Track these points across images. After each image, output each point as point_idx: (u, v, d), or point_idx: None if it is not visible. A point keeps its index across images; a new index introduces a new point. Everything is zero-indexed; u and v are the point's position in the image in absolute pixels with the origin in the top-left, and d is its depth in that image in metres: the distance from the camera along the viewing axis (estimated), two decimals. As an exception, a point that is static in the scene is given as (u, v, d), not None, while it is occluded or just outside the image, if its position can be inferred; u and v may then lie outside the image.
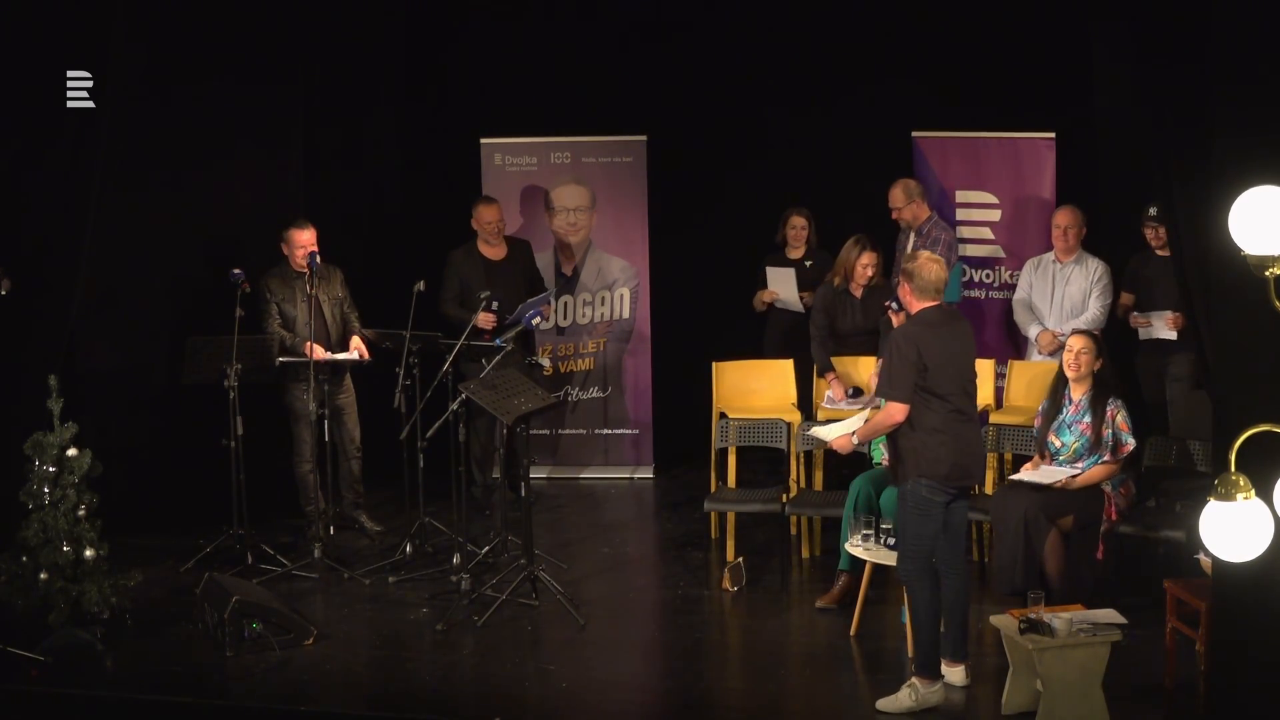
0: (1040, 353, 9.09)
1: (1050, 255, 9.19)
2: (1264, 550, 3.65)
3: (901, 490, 6.57)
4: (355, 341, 8.88)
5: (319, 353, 8.63)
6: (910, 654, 6.77)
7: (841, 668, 7.11)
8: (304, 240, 8.77)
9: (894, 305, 7.51)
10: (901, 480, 6.55)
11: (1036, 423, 7.84)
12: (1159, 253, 8.78)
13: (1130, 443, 7.54)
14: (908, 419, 6.44)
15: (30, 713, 6.89)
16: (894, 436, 6.55)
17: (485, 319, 8.92)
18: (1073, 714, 6.15)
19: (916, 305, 6.59)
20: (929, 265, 6.56)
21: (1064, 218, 9.11)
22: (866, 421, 6.85)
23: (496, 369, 8.10)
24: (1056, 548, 7.31)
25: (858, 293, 9.06)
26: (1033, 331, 9.16)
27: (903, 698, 6.46)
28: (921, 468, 6.45)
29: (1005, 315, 9.62)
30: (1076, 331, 7.90)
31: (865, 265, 9.00)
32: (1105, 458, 7.50)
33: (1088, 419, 7.56)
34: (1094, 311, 8.98)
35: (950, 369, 6.50)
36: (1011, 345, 9.61)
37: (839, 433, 6.91)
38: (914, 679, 6.50)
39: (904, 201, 9.46)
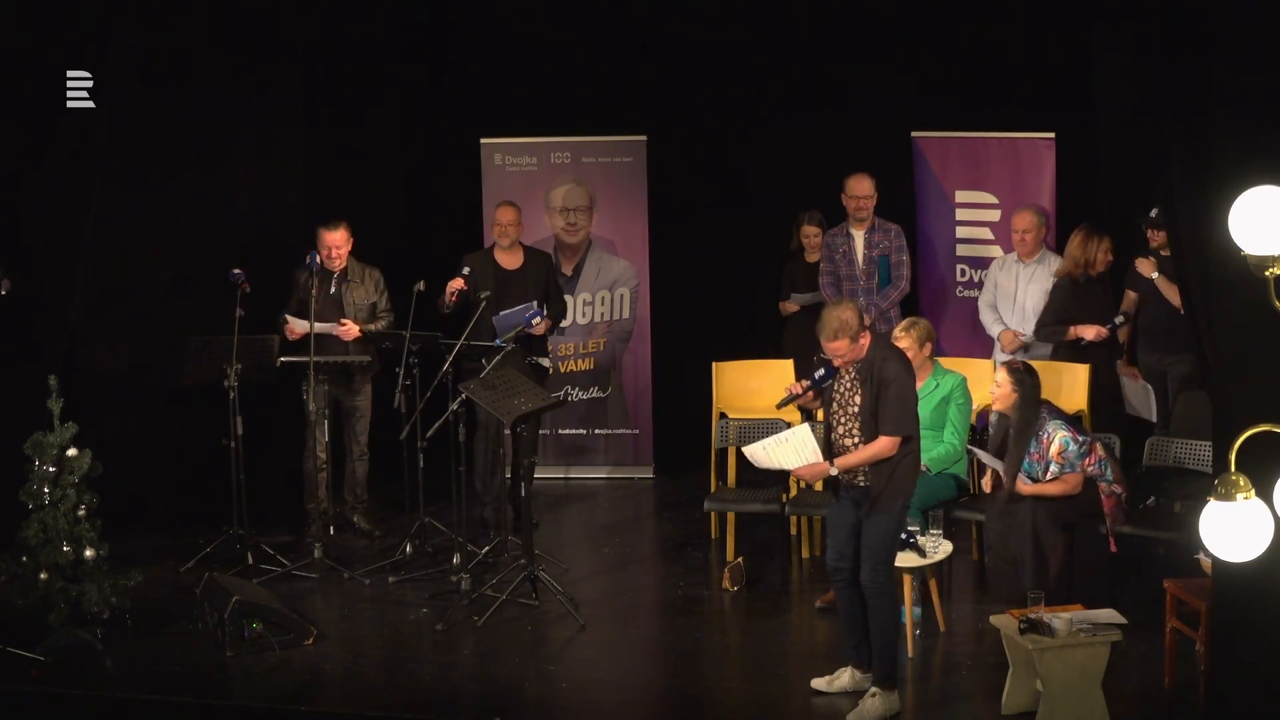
0: (1003, 351, 9.16)
1: (1014, 255, 9.26)
2: (1264, 550, 3.65)
3: (885, 513, 6.44)
4: (346, 326, 8.75)
5: (300, 328, 8.59)
6: (877, 661, 6.54)
7: (841, 668, 7.09)
8: (328, 240, 8.76)
9: (822, 373, 6.59)
10: (889, 505, 6.42)
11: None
12: (1160, 253, 8.79)
13: (1069, 473, 7.40)
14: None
15: (30, 713, 6.89)
16: (879, 468, 6.41)
17: (455, 283, 8.71)
18: (1073, 714, 6.15)
19: (867, 339, 6.40)
20: (845, 309, 6.39)
21: (1021, 221, 9.21)
22: (837, 451, 6.55)
23: (496, 369, 8.09)
24: (1061, 550, 7.31)
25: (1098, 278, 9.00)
26: (995, 330, 9.22)
27: (875, 707, 6.41)
28: (909, 487, 6.49)
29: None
30: (1002, 363, 7.72)
31: (1108, 250, 8.86)
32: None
33: (1031, 447, 7.50)
34: None
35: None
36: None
37: (787, 460, 6.56)
38: (877, 689, 6.45)
39: (872, 190, 9.47)
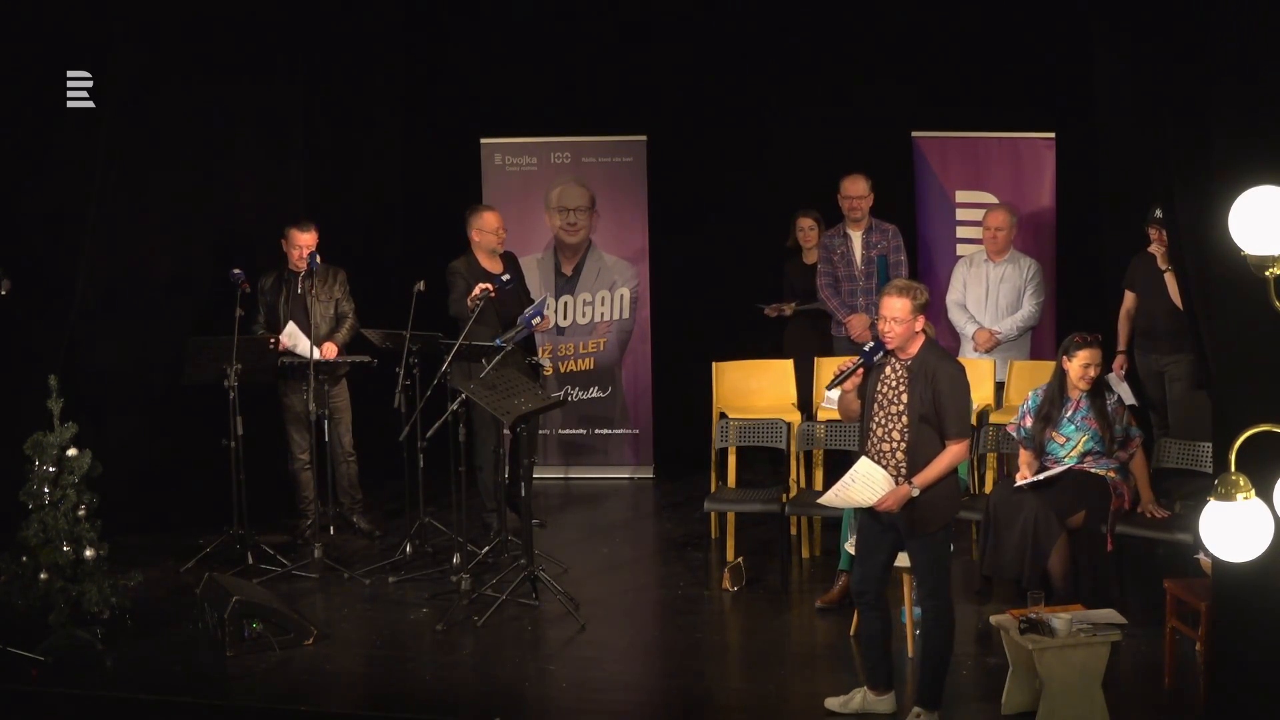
0: (976, 350, 9.19)
1: (982, 255, 9.31)
2: (1264, 550, 3.64)
3: (927, 537, 6.19)
4: (327, 347, 8.78)
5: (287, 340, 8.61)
6: (924, 683, 6.38)
7: (841, 668, 7.10)
8: (304, 241, 8.78)
9: (871, 346, 6.37)
10: (932, 528, 6.18)
11: (1026, 423, 7.68)
12: (1164, 251, 8.78)
13: (1140, 434, 7.65)
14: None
15: (30, 713, 6.89)
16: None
17: (486, 287, 8.50)
18: (1073, 714, 6.15)
19: (921, 334, 6.26)
20: (923, 289, 6.29)
21: (996, 219, 9.26)
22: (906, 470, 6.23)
23: (496, 369, 8.08)
24: (1063, 549, 7.30)
25: None
26: (969, 330, 9.23)
27: None
28: (953, 508, 6.26)
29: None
30: (1087, 345, 7.52)
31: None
32: (1120, 452, 7.54)
33: (1091, 414, 7.55)
34: (1028, 309, 9.20)
35: None
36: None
37: (863, 498, 6.27)
38: (921, 709, 6.28)
39: (867, 191, 9.46)
